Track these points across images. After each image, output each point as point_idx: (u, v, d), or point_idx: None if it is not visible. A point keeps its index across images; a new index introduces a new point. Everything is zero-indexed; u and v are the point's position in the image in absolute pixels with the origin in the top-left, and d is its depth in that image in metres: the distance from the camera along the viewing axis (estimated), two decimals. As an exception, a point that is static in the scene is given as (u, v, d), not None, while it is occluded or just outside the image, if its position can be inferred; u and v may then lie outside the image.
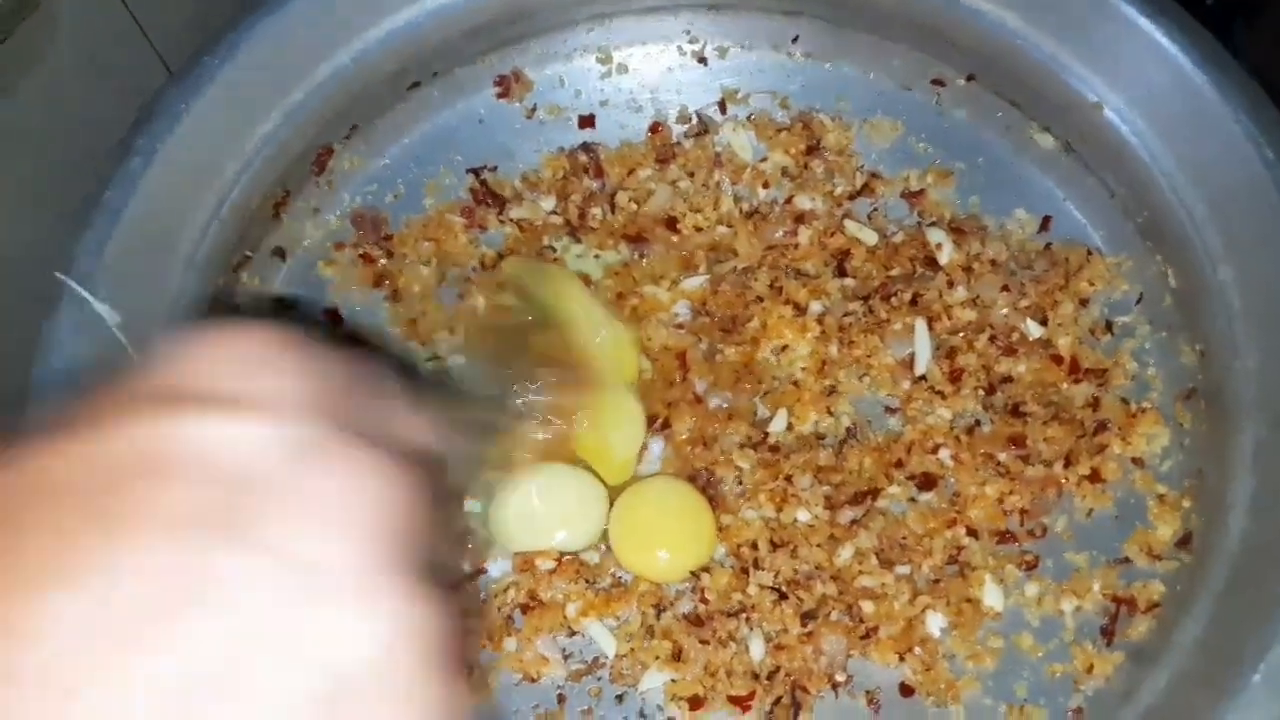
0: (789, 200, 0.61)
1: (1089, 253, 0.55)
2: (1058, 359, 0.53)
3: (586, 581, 0.52)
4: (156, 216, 0.48)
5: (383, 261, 0.60)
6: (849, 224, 0.59)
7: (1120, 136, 0.51)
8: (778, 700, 0.48)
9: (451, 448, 0.28)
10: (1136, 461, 0.51)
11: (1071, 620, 0.48)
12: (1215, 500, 0.44)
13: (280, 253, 0.58)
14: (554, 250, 0.60)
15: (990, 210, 0.58)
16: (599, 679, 0.50)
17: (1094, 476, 0.51)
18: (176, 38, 0.63)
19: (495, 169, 0.62)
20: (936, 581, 0.50)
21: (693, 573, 0.50)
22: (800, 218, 0.60)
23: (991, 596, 0.49)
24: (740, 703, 0.48)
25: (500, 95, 0.64)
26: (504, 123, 0.64)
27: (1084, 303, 0.55)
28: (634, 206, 0.61)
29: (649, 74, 0.64)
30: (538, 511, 0.49)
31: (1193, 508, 0.48)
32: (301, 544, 0.18)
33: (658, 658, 0.49)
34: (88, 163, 0.47)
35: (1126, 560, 0.49)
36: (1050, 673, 0.47)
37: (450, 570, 0.25)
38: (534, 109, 0.64)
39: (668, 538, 0.49)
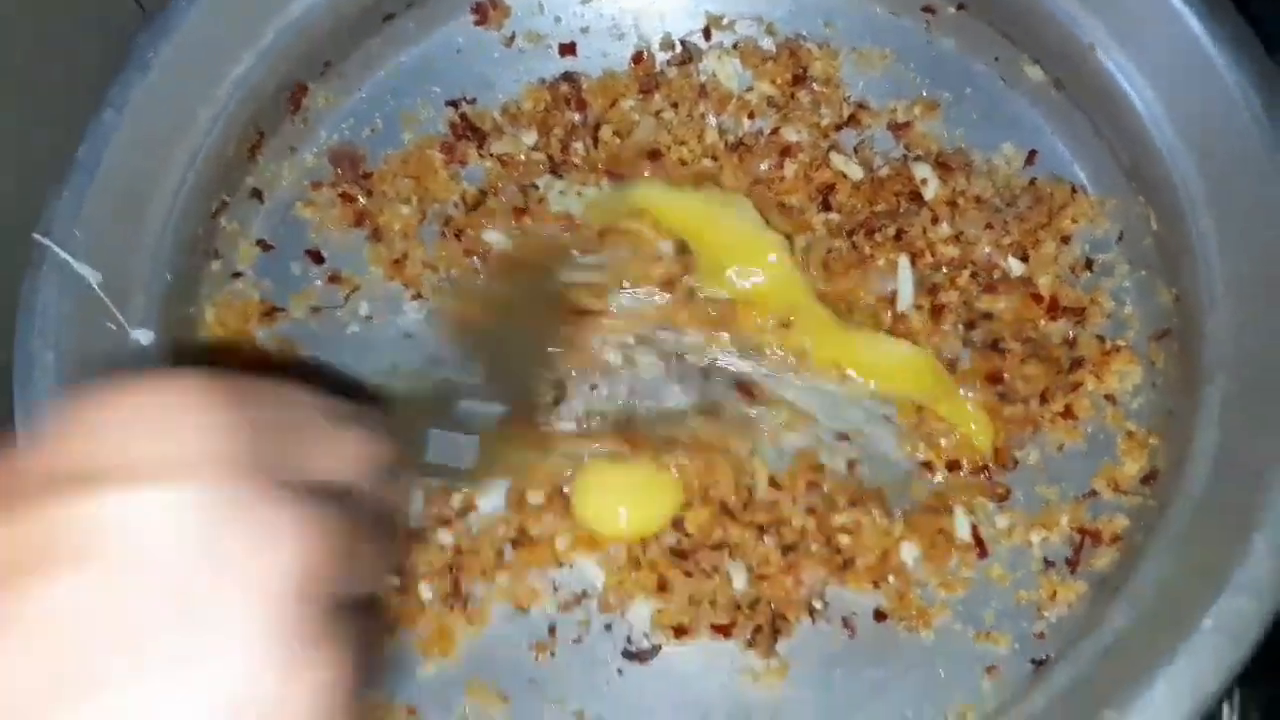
0: (775, 132, 0.60)
1: (1073, 190, 0.55)
2: (1037, 297, 0.54)
3: (574, 516, 0.53)
4: (131, 169, 0.48)
5: (362, 200, 0.59)
6: (835, 157, 0.59)
7: (1110, 79, 0.50)
8: (758, 628, 0.50)
9: (387, 468, 0.27)
10: (1109, 398, 0.52)
11: (1039, 550, 0.50)
12: (1182, 442, 0.46)
13: (257, 194, 0.58)
14: (536, 188, 0.60)
15: (976, 143, 0.58)
16: (587, 610, 0.52)
17: (1067, 412, 0.52)
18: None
19: (474, 101, 0.61)
20: (910, 513, 0.52)
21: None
22: (786, 150, 0.60)
23: (963, 529, 0.51)
24: (723, 631, 0.50)
25: (478, 23, 0.62)
26: (482, 52, 0.62)
27: (1065, 240, 0.55)
28: (617, 140, 0.60)
29: (631, -1, 0.62)
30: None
31: (1159, 446, 0.50)
32: (196, 617, 0.18)
33: (644, 589, 0.52)
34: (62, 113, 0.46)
35: (1093, 493, 0.51)
36: (1017, 599, 0.50)
37: (374, 584, 0.26)
38: (513, 37, 0.62)
39: (628, 496, 0.51)
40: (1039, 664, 0.48)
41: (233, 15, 0.51)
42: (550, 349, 0.53)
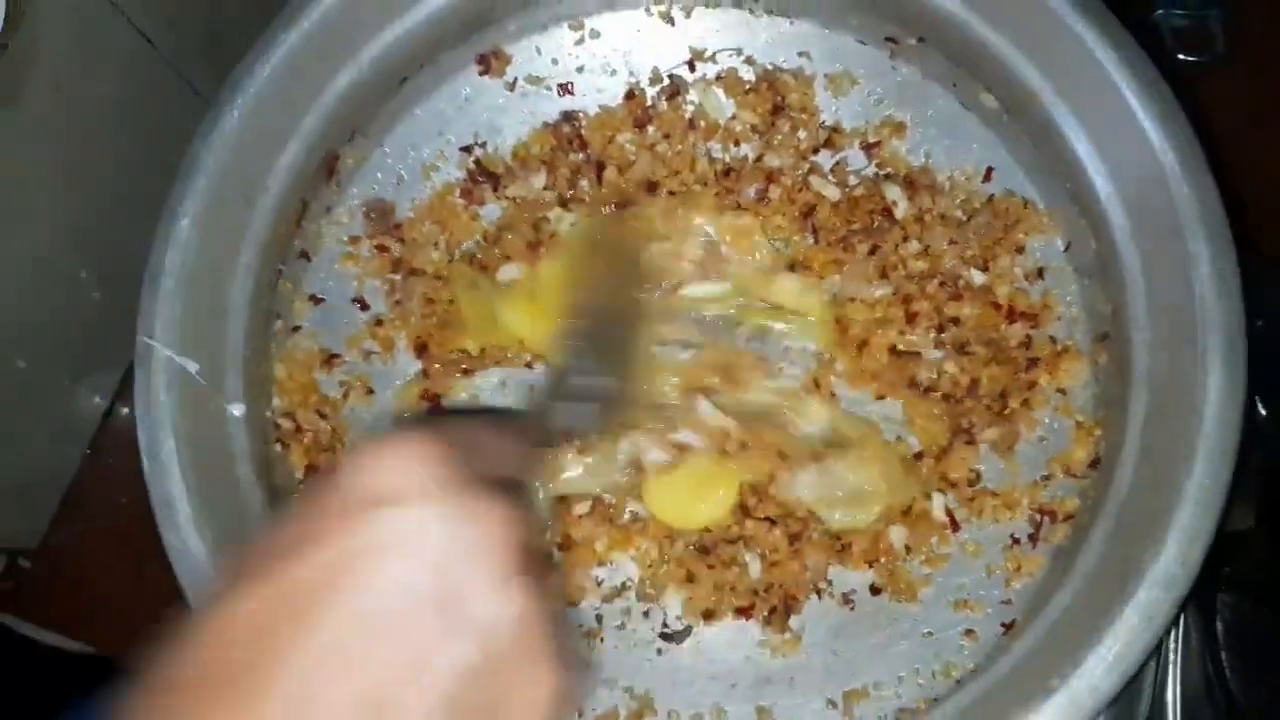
0: (759, 158, 0.67)
1: (1025, 204, 0.63)
2: (997, 305, 0.62)
3: (610, 521, 0.63)
4: (208, 266, 0.55)
5: (395, 249, 0.67)
6: (814, 180, 0.66)
7: (1052, 119, 0.57)
8: (773, 609, 0.60)
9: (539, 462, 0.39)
10: (1060, 392, 0.61)
11: (1005, 528, 0.60)
12: (1116, 443, 0.55)
13: (305, 255, 0.65)
14: (549, 221, 0.67)
15: (940, 162, 0.65)
16: (628, 600, 0.62)
17: (1025, 404, 0.61)
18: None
19: (485, 144, 0.68)
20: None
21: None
22: (770, 175, 0.67)
23: (938, 510, 0.60)
24: (744, 612, 0.60)
25: (482, 73, 0.68)
26: (488, 98, 0.68)
27: (1020, 250, 0.63)
28: (618, 175, 0.67)
29: (620, 37, 0.68)
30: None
31: (1103, 435, 0.59)
32: (463, 577, 0.28)
33: (674, 580, 0.61)
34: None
35: (1049, 477, 0.60)
36: (988, 572, 0.60)
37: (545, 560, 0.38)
38: (514, 82, 0.68)
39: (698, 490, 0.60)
40: (1008, 627, 0.58)
41: (275, 113, 0.57)
42: (641, 322, 0.59)
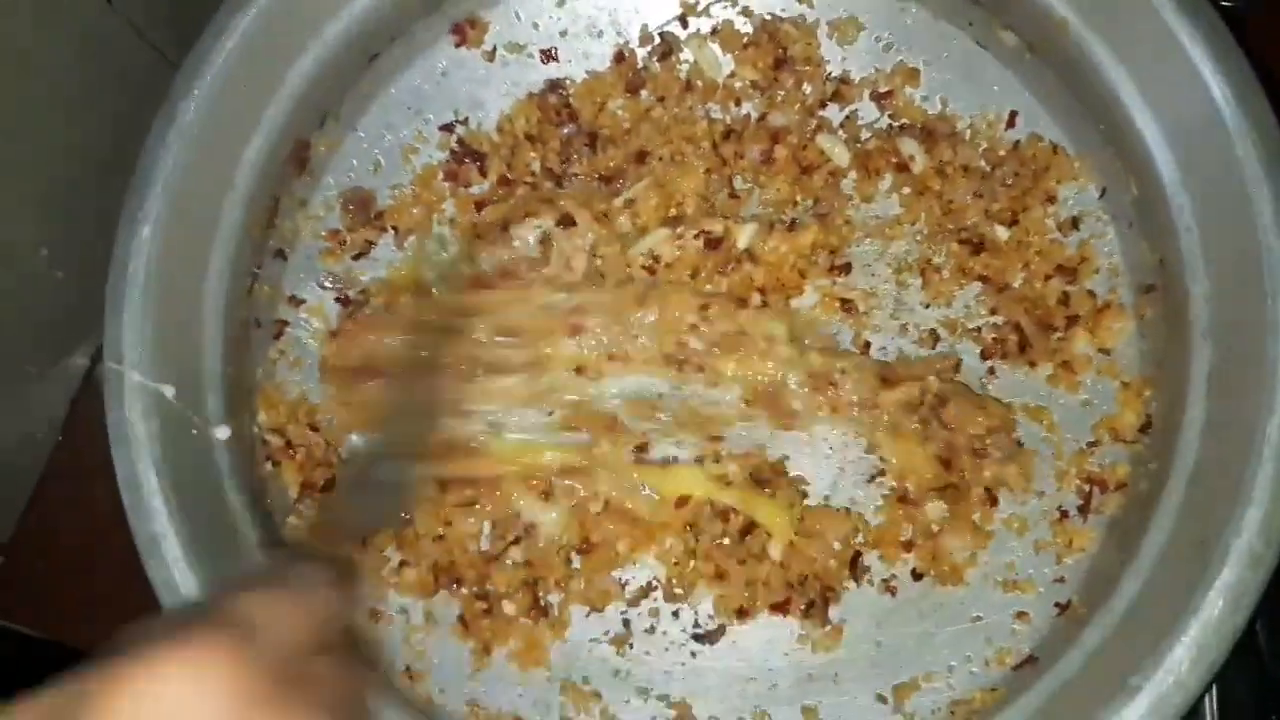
0: (763, 118, 0.62)
1: (1055, 149, 0.58)
2: (1026, 263, 0.57)
3: (631, 520, 0.58)
4: (176, 278, 0.50)
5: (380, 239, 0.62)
6: (822, 138, 0.61)
7: (1083, 53, 0.53)
8: (811, 602, 0.56)
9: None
10: (1103, 351, 0.57)
11: (1052, 500, 0.56)
12: (1174, 403, 0.51)
13: (281, 254, 0.60)
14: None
15: (958, 109, 0.60)
16: (655, 600, 0.58)
17: (1066, 367, 0.57)
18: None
19: (466, 120, 0.63)
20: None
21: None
22: (775, 135, 0.62)
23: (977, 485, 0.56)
24: (780, 608, 0.57)
25: (458, 43, 0.63)
26: (467, 71, 0.63)
27: (1051, 200, 0.59)
28: (613, 149, 0.62)
29: (604, -6, 0.63)
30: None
31: (1153, 395, 0.55)
32: None
33: (703, 577, 0.57)
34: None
35: (1096, 443, 0.56)
36: (1037, 548, 0.56)
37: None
38: (494, 51, 0.63)
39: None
40: (1063, 607, 0.54)
41: (236, 102, 0.52)
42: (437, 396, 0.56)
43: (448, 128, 0.62)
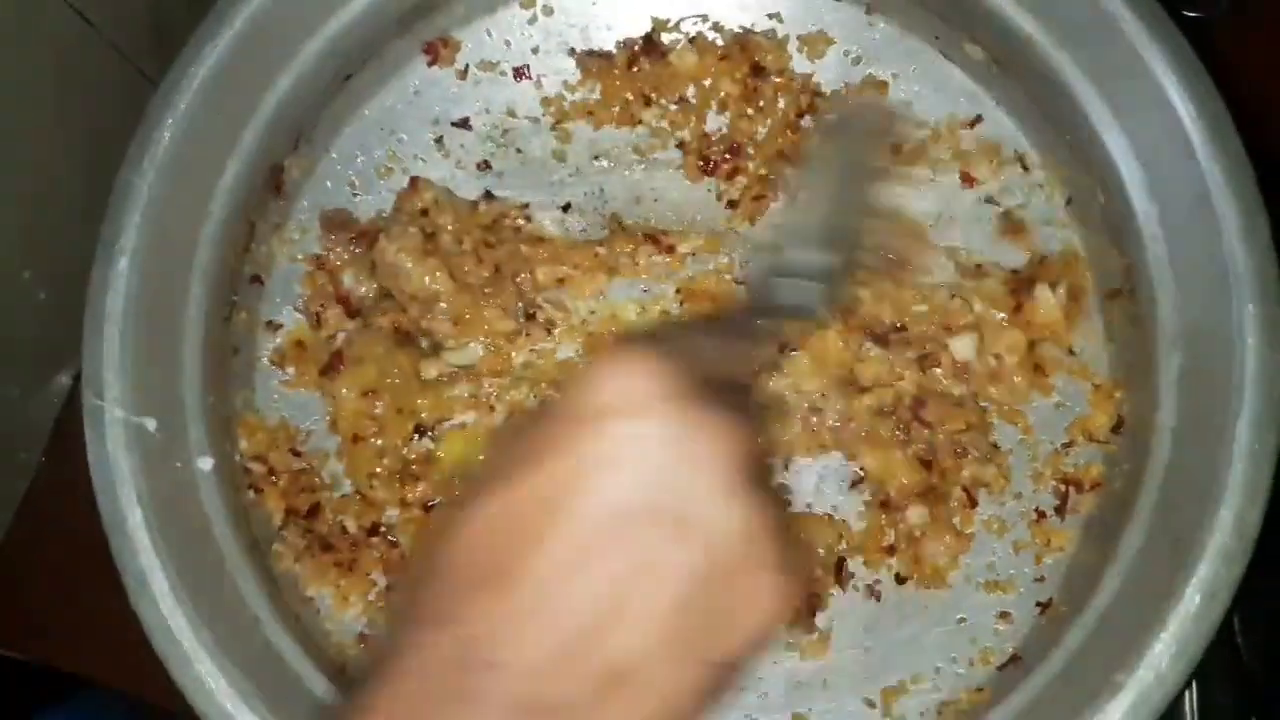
0: (738, 128, 0.63)
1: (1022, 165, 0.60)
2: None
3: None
4: (154, 309, 0.49)
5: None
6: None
7: (1049, 68, 0.54)
8: (797, 611, 0.57)
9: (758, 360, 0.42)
10: (1071, 353, 0.58)
11: (1029, 502, 0.58)
12: (1146, 407, 0.52)
13: (258, 279, 0.59)
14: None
15: (924, 115, 0.61)
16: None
17: (1038, 370, 0.59)
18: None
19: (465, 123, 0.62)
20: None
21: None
22: (751, 146, 0.63)
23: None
24: (766, 617, 0.57)
25: (431, 63, 0.63)
26: (439, 90, 0.63)
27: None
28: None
29: (574, 11, 0.64)
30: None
31: (1124, 397, 0.56)
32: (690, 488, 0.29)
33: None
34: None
35: (1070, 444, 0.58)
36: (1016, 548, 0.57)
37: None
38: (466, 69, 0.63)
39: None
40: (1044, 606, 0.56)
41: (212, 128, 0.52)
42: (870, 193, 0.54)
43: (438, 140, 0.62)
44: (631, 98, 0.62)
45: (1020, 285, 0.58)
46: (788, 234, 0.50)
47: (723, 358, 0.37)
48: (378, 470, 0.57)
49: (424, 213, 0.60)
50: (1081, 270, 0.57)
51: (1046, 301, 0.57)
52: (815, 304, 0.47)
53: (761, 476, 0.30)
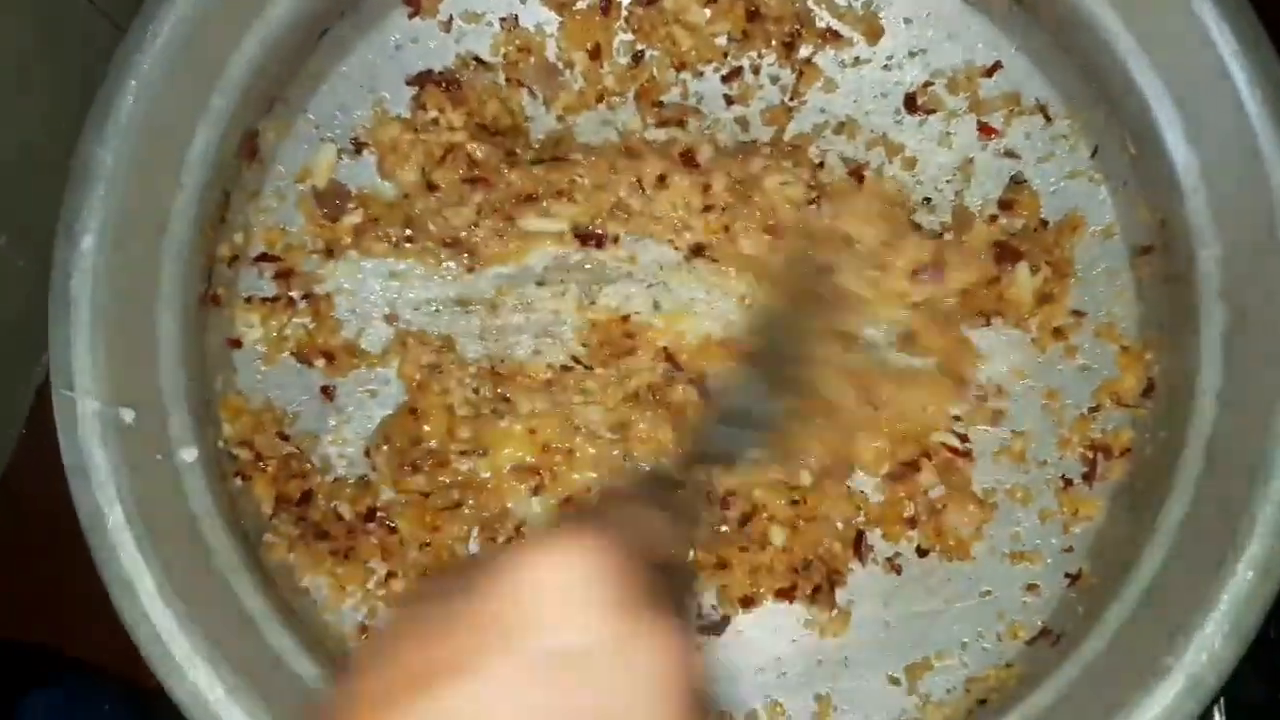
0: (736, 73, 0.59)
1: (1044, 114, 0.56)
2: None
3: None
4: (126, 290, 0.46)
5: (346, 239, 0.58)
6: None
7: (1072, 6, 0.50)
8: (817, 587, 0.55)
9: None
10: (1101, 314, 0.55)
11: (1055, 469, 0.55)
12: (1183, 371, 0.50)
13: (234, 255, 0.56)
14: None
15: (942, 66, 0.58)
16: (655, 594, 0.56)
17: (1059, 333, 0.56)
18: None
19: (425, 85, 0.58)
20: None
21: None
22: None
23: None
24: (786, 595, 0.55)
25: (412, 14, 0.59)
26: (421, 43, 0.59)
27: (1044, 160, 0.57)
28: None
29: (564, -45, 0.59)
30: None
31: (1155, 358, 0.54)
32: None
33: (704, 567, 0.55)
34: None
35: (1097, 409, 0.55)
36: (1042, 517, 0.55)
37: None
38: (450, 20, 0.59)
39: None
40: (1073, 578, 0.54)
41: (175, 94, 0.48)
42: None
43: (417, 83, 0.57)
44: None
45: (1006, 255, 0.55)
46: (732, 382, 0.49)
47: (661, 538, 0.34)
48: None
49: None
50: (1078, 239, 0.54)
51: (1022, 282, 0.54)
52: (754, 450, 0.46)
53: (696, 690, 0.28)
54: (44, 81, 0.56)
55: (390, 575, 0.54)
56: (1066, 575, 0.53)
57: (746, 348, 0.52)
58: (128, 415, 0.44)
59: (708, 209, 0.54)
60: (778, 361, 0.50)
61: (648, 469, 0.53)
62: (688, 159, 0.55)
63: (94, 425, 0.43)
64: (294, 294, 0.55)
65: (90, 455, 0.43)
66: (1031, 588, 0.54)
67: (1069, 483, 0.55)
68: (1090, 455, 0.54)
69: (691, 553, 0.53)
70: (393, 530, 0.55)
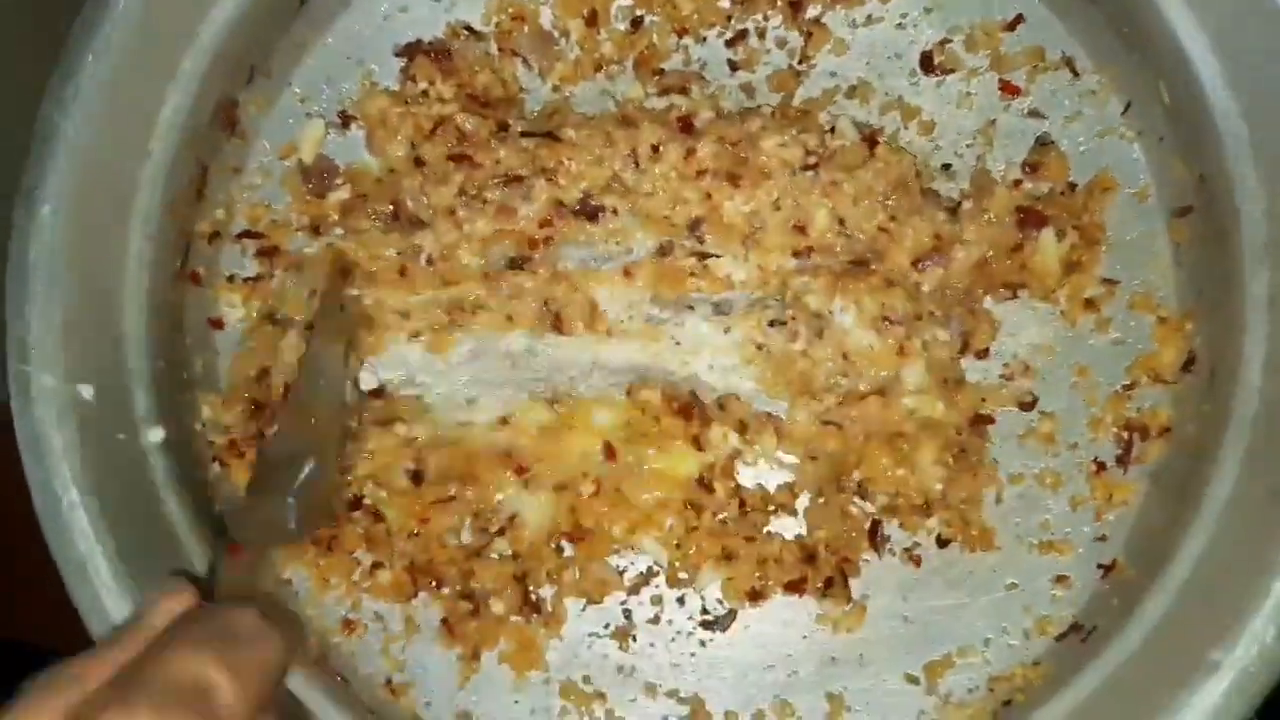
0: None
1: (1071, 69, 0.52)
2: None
3: (624, 501, 0.53)
4: (88, 260, 0.43)
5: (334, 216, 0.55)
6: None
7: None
8: (829, 579, 0.51)
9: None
10: (1136, 282, 0.51)
11: (1087, 452, 0.51)
12: (1227, 338, 0.45)
13: (215, 232, 0.53)
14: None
15: (961, 21, 0.54)
16: (657, 587, 0.52)
17: (1089, 305, 0.52)
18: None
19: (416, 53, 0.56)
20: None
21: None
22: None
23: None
24: (795, 588, 0.51)
25: (401, -19, 0.56)
26: (412, 13, 0.57)
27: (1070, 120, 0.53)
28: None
29: (559, -81, 0.56)
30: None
31: (1195, 329, 0.49)
32: None
33: (709, 559, 0.52)
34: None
35: (1132, 386, 0.51)
36: (1073, 504, 0.51)
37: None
38: (440, -15, 0.56)
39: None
40: (1107, 569, 0.49)
41: (140, 58, 0.45)
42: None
43: (405, 54, 0.55)
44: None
45: (1029, 220, 0.50)
46: (261, 459, 0.47)
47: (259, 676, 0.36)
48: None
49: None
50: (1109, 201, 0.50)
51: (1046, 248, 0.50)
52: (291, 519, 0.44)
53: None
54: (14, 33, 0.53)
55: (376, 565, 0.51)
56: (1099, 566, 0.49)
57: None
58: (86, 391, 0.42)
59: (700, 174, 0.51)
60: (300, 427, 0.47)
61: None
62: (685, 126, 0.52)
63: (51, 401, 0.41)
64: (277, 272, 0.53)
65: (45, 434, 0.41)
66: (1061, 579, 0.50)
67: (1102, 466, 0.51)
68: (1125, 436, 0.50)
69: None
70: (379, 519, 0.52)
